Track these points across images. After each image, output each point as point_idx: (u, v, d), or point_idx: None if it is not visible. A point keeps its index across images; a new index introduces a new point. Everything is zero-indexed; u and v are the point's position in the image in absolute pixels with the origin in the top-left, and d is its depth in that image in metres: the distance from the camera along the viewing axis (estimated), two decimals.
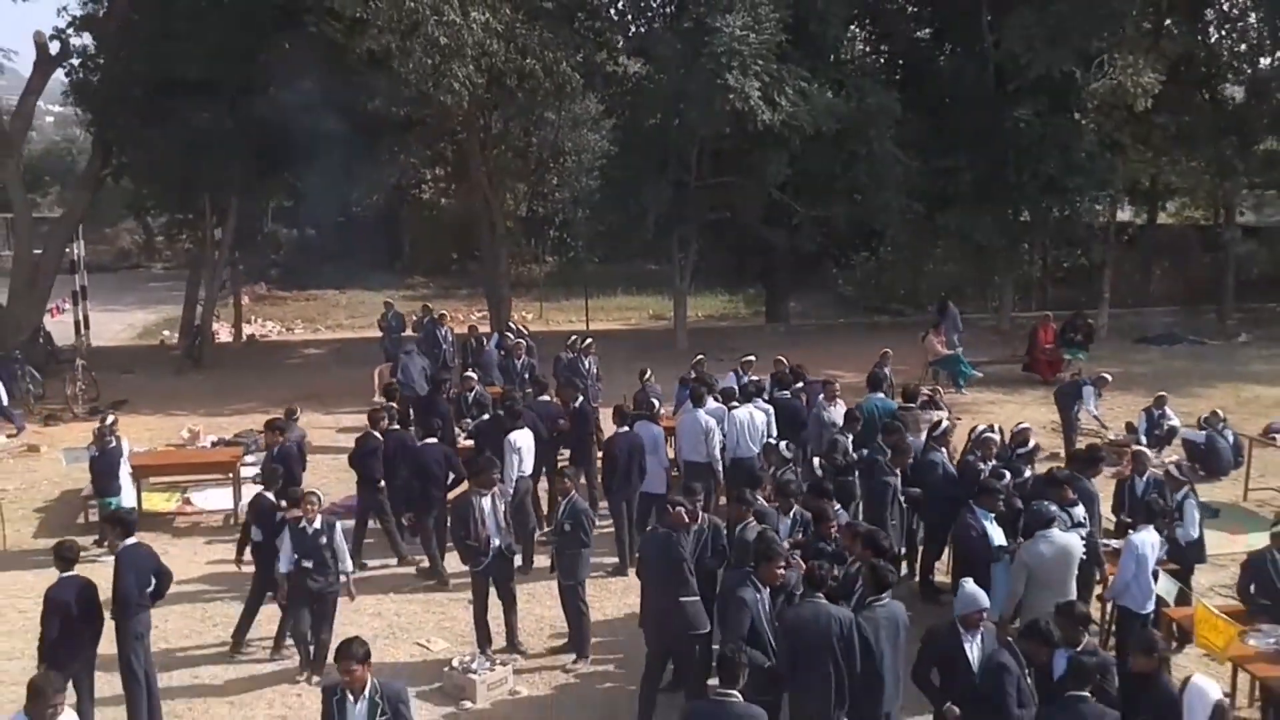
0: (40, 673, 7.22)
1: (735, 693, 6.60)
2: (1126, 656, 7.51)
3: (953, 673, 7.36)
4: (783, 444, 12.12)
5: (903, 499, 10.91)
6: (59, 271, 24.30)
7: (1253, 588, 9.15)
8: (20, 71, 27.02)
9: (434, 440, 12.43)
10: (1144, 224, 33.31)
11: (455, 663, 9.89)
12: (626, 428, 12.51)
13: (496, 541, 10.27)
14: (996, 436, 11.70)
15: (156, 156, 22.38)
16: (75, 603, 8.60)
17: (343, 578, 10.01)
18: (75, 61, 24.03)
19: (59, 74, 24.49)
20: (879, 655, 7.32)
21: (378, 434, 12.69)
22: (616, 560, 12.33)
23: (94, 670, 8.95)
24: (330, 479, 15.48)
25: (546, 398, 13.96)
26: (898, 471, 10.86)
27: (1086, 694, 6.51)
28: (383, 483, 12.59)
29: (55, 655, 8.53)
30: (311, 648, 9.95)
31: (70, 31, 23.80)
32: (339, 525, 9.95)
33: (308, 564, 9.67)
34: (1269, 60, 26.08)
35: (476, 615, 10.41)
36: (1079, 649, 7.00)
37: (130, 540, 9.19)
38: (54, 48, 23.44)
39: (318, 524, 9.76)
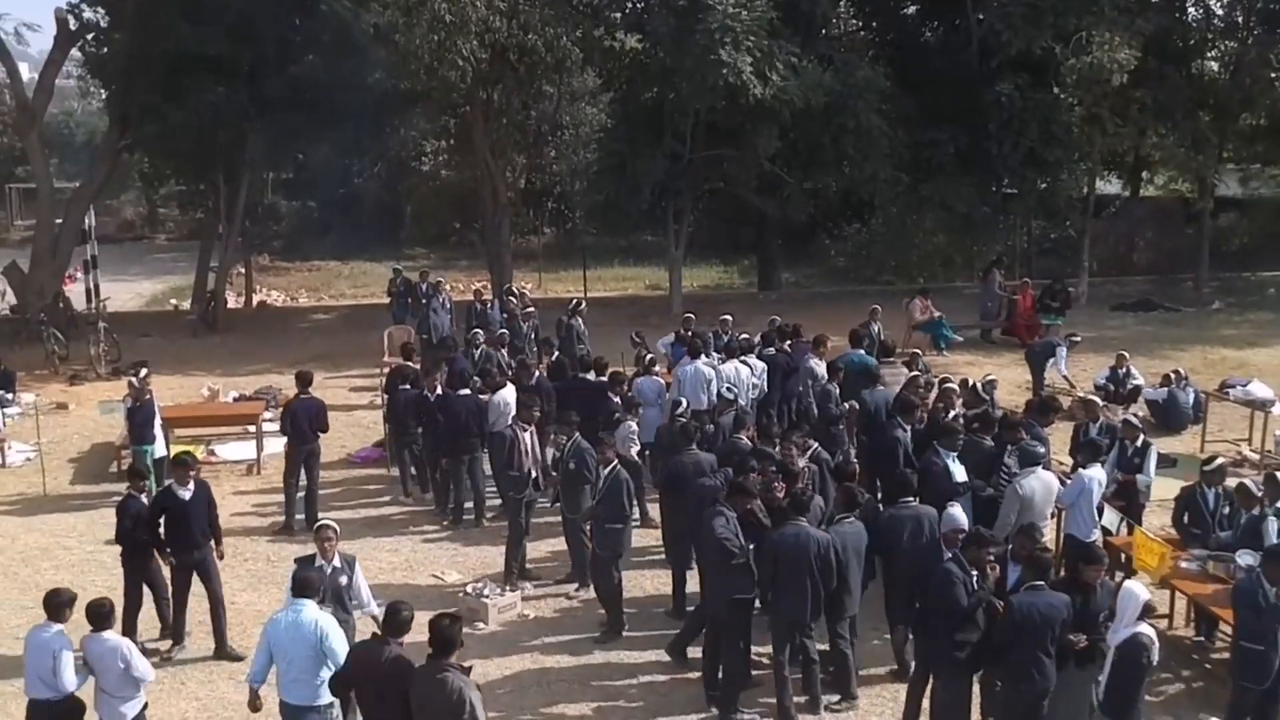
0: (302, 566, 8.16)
1: (913, 500, 8.96)
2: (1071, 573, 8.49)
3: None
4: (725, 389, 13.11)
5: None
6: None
7: (1186, 518, 10.16)
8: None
9: (466, 392, 13.19)
10: (1128, 196, 34.01)
11: (469, 589, 10.87)
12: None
13: (534, 473, 11.33)
14: (956, 387, 12.78)
15: (173, 130, 22.79)
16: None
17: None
18: (90, 36, 24.41)
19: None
20: (844, 564, 8.32)
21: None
22: None
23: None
24: (345, 434, 16.50)
25: (589, 376, 14.14)
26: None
27: (1042, 583, 7.58)
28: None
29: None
30: None
31: (83, 6, 24.25)
32: (358, 564, 8.72)
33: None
34: (1243, 38, 26.67)
35: (514, 542, 11.31)
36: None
37: None
38: (71, 22, 23.93)
39: (336, 561, 8.43)
